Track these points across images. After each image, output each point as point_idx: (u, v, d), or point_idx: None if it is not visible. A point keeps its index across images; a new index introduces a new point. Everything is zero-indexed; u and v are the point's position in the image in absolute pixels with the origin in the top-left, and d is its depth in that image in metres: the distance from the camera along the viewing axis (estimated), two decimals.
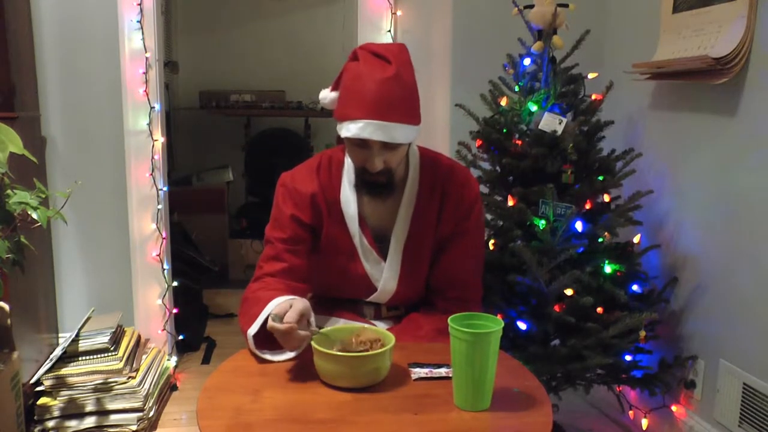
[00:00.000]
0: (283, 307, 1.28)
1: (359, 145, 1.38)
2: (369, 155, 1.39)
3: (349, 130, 1.35)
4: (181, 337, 2.83)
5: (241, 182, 4.80)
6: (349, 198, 1.50)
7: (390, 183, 1.45)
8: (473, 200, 1.53)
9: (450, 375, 1.19)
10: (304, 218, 1.51)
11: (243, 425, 1.11)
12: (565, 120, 1.95)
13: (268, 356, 1.33)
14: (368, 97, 1.33)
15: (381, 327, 1.46)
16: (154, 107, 2.58)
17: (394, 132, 1.34)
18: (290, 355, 1.32)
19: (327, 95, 1.48)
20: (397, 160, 1.43)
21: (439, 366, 1.30)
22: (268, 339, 1.31)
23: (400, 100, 1.35)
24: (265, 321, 1.30)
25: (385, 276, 1.52)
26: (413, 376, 1.27)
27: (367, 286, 1.54)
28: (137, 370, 2.35)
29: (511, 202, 2.00)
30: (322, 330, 1.31)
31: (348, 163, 1.52)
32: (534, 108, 2.01)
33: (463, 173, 1.57)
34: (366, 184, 1.45)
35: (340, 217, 1.51)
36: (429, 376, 1.27)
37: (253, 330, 1.32)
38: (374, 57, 1.37)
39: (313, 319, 1.31)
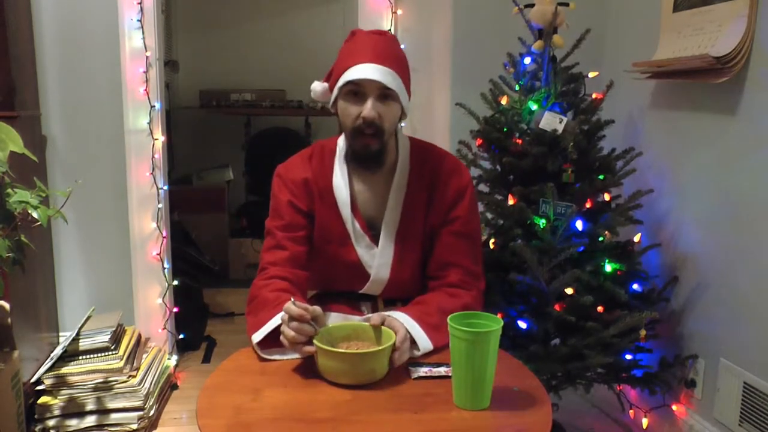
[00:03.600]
0: (303, 305, 1.29)
1: (354, 93, 1.42)
2: (363, 106, 1.42)
3: (348, 75, 1.40)
4: (181, 336, 2.84)
5: (242, 181, 4.81)
6: (340, 183, 1.53)
7: (380, 153, 1.47)
8: (463, 188, 1.54)
9: (449, 374, 1.19)
10: (301, 204, 1.53)
11: (243, 424, 1.11)
12: (565, 119, 1.95)
13: (276, 356, 1.33)
14: (366, 47, 1.41)
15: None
16: (154, 106, 2.58)
17: (391, 78, 1.39)
18: (295, 355, 1.32)
19: (318, 85, 1.53)
20: (389, 119, 1.45)
21: (439, 365, 1.30)
22: (273, 340, 1.32)
23: (396, 57, 1.44)
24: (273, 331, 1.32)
25: (377, 262, 1.53)
26: (413, 375, 1.27)
27: (361, 274, 1.55)
28: (137, 369, 2.35)
29: (511, 201, 2.00)
30: (325, 327, 1.31)
31: (340, 150, 1.55)
32: (534, 107, 2.01)
33: (454, 162, 1.58)
34: (358, 154, 1.48)
35: (332, 203, 1.53)
36: (428, 375, 1.27)
37: (258, 336, 1.33)
38: (369, 34, 1.47)
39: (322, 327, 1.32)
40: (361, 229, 1.53)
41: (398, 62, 1.45)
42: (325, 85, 1.51)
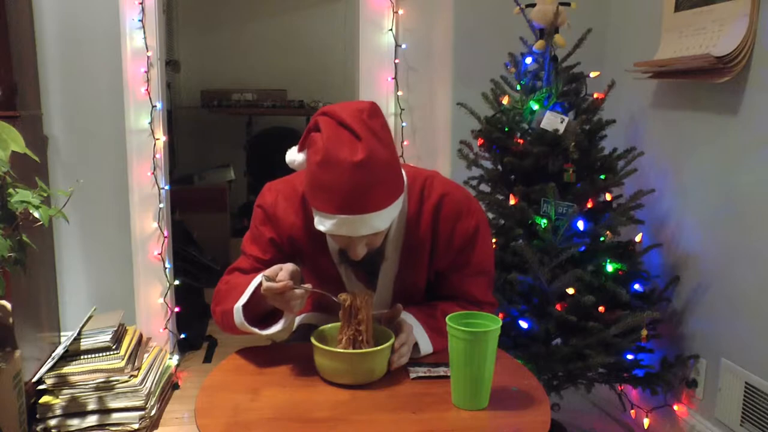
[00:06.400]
0: (274, 269, 1.24)
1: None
2: (349, 242, 1.26)
3: (324, 225, 1.22)
4: (182, 336, 2.84)
5: (243, 181, 4.81)
6: None
7: (375, 256, 1.34)
8: (471, 232, 1.39)
9: (448, 374, 1.19)
10: (284, 246, 1.42)
11: (242, 424, 1.11)
12: (566, 119, 1.95)
13: (263, 331, 1.30)
14: (339, 190, 1.17)
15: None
16: (155, 106, 2.58)
17: (374, 222, 1.21)
18: (279, 327, 1.29)
19: (295, 158, 1.31)
20: (381, 238, 1.31)
21: (438, 365, 1.30)
22: (255, 319, 1.29)
23: (376, 186, 1.18)
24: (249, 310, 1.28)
25: (374, 307, 1.42)
26: (411, 375, 1.27)
27: None
28: (139, 369, 2.35)
29: (512, 201, 2.00)
30: (324, 327, 1.31)
31: None
32: (536, 107, 2.01)
33: (458, 201, 1.40)
34: (349, 262, 1.34)
35: (325, 249, 1.40)
36: (427, 375, 1.27)
37: (243, 300, 1.27)
38: (340, 128, 1.17)
39: (303, 282, 1.28)
40: (356, 279, 1.42)
41: (381, 188, 1.19)
42: (302, 156, 1.29)
